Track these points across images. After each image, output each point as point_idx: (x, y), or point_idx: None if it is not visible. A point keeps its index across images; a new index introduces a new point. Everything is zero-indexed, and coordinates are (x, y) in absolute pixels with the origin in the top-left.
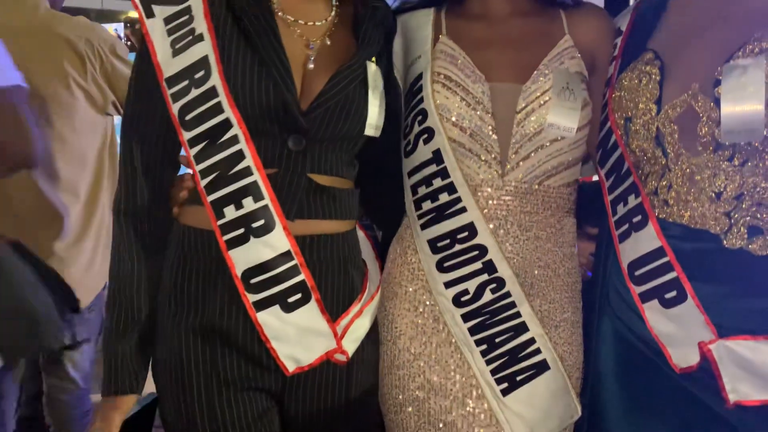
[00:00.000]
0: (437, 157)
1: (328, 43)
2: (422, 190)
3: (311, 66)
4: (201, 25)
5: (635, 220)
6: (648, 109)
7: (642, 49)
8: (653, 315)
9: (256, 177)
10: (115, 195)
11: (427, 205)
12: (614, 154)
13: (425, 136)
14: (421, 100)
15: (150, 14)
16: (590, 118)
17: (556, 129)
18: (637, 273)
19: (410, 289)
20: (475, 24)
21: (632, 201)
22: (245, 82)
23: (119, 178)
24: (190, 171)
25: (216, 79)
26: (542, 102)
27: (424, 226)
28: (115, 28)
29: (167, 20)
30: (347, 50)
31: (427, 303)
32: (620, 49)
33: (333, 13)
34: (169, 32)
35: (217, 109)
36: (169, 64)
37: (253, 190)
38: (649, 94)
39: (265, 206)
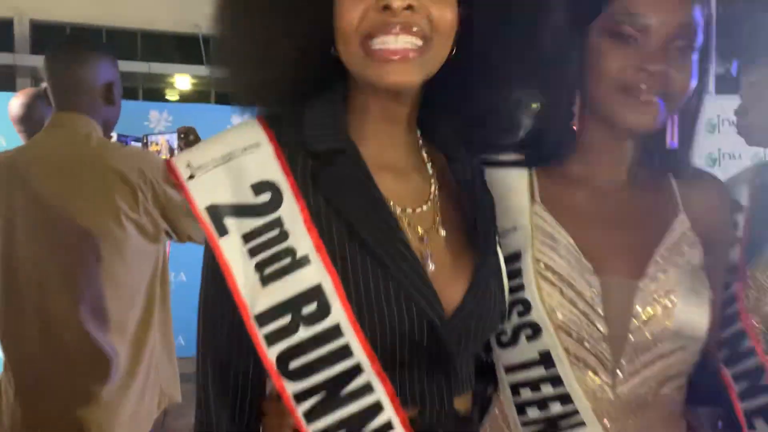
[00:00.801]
0: (546, 360)
1: (443, 233)
2: (527, 394)
3: (431, 267)
4: (303, 242)
5: None
6: None
7: None
8: None
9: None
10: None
11: (534, 413)
12: (748, 361)
13: (528, 331)
14: (521, 287)
15: (223, 231)
16: (715, 314)
17: (681, 338)
18: None
19: None
20: (574, 192)
21: None
22: (380, 310)
23: (197, 402)
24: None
25: (339, 314)
26: (664, 305)
27: None
28: (167, 138)
29: (247, 237)
30: (457, 226)
31: None
32: (745, 230)
33: (433, 188)
34: (253, 252)
35: (344, 352)
36: (257, 296)
37: None
38: None
39: None
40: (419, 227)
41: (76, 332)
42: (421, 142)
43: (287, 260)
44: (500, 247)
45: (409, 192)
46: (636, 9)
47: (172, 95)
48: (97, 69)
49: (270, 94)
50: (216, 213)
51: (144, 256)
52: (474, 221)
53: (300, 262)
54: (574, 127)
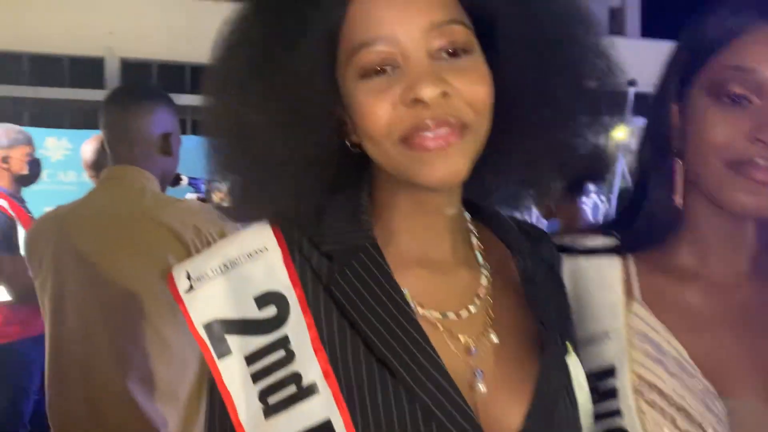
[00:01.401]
0: None
1: (496, 340)
2: None
3: (482, 388)
4: (311, 366)
5: None
6: None
7: None
8: None
9: None
10: None
11: None
12: None
13: None
14: (617, 413)
15: (223, 352)
16: None
17: None
18: None
19: None
20: (682, 287)
21: None
22: None
23: None
24: None
25: None
26: None
27: None
28: None
29: (251, 359)
30: (518, 330)
31: None
32: None
33: (484, 283)
34: (256, 377)
35: None
36: (259, 427)
37: None
38: None
39: None
40: (463, 335)
41: (123, 400)
42: (470, 225)
43: (292, 388)
44: (581, 357)
45: (450, 292)
46: (752, 63)
47: None
48: (154, 119)
49: (281, 202)
50: (216, 331)
51: None
52: (540, 321)
53: (307, 391)
54: (678, 203)
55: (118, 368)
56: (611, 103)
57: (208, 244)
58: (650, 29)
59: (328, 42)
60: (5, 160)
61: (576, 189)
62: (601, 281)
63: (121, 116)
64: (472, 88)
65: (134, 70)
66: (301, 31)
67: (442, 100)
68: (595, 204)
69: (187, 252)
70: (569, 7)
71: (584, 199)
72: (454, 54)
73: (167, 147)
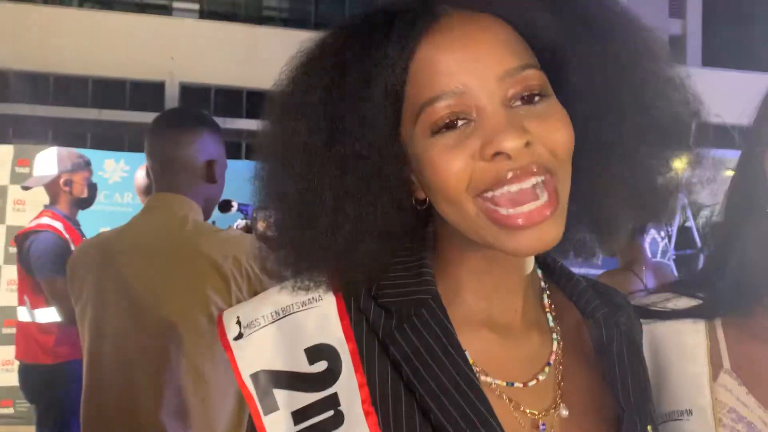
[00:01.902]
0: None
1: (565, 413)
2: None
3: None
4: (357, 429)
5: None
6: None
7: None
8: None
9: None
10: None
11: None
12: None
13: None
14: None
15: (270, 407)
16: None
17: None
18: None
19: None
20: None
21: None
22: None
23: None
24: None
25: None
26: None
27: None
28: None
29: (298, 416)
30: (591, 404)
31: None
32: None
33: (554, 347)
34: None
35: None
36: None
37: None
38: None
39: None
40: (530, 408)
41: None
42: (544, 285)
43: None
44: None
45: (518, 358)
46: None
47: None
48: (198, 145)
49: (343, 261)
50: (264, 382)
51: None
52: (617, 399)
53: None
54: None
55: (154, 399)
56: (687, 137)
57: (248, 275)
58: (711, 58)
59: (393, 100)
60: (67, 183)
61: (637, 227)
62: (683, 350)
63: (164, 143)
64: (554, 135)
65: (193, 94)
66: (366, 92)
67: (524, 150)
68: (653, 239)
69: (226, 283)
70: (642, 40)
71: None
72: (529, 100)
73: (211, 174)
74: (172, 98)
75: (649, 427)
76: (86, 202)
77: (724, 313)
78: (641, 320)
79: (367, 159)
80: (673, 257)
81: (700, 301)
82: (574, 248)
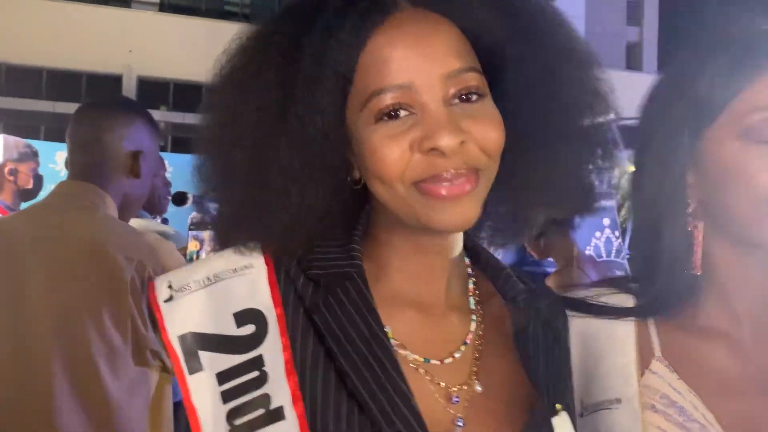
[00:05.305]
0: None
1: (479, 389)
2: None
3: None
4: (281, 389)
5: None
6: None
7: None
8: None
9: None
10: None
11: None
12: None
13: None
14: None
15: (195, 367)
16: None
17: None
18: None
19: None
20: (707, 348)
21: None
22: None
23: None
24: None
25: None
26: None
27: None
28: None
29: (222, 377)
30: (507, 382)
31: None
32: None
33: (473, 327)
34: (226, 397)
35: None
36: None
37: None
38: None
39: None
40: (445, 381)
41: None
42: (471, 273)
43: (260, 411)
44: (589, 424)
45: (437, 336)
46: None
47: None
48: (125, 132)
49: (275, 230)
50: (190, 344)
51: (132, 379)
52: (530, 378)
53: (273, 416)
54: (697, 257)
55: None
56: (603, 138)
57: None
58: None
59: (343, 85)
60: (12, 173)
61: (564, 224)
62: (613, 341)
63: (87, 122)
64: (487, 135)
65: (151, 88)
66: (318, 73)
67: (458, 148)
68: (608, 238)
69: (123, 293)
70: (568, 44)
71: (597, 234)
72: (467, 99)
73: (136, 168)
74: (129, 92)
75: (558, 406)
76: (31, 194)
77: (655, 314)
78: (576, 313)
79: (315, 140)
80: (627, 256)
81: (632, 296)
82: (492, 232)
